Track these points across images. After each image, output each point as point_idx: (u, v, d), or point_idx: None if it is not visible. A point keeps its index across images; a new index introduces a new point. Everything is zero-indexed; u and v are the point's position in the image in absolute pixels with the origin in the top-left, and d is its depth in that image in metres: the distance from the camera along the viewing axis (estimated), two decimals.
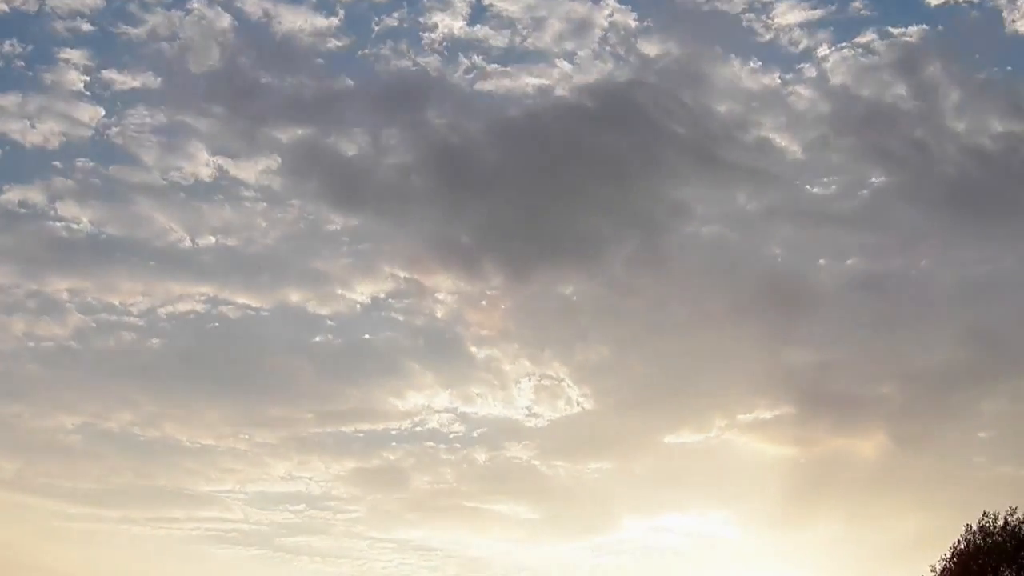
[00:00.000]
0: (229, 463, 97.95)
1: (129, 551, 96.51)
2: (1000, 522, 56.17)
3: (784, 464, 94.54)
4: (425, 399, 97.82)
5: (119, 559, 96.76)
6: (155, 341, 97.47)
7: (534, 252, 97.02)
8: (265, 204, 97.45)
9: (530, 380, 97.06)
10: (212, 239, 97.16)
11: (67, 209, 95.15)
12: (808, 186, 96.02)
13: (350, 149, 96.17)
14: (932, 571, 57.42)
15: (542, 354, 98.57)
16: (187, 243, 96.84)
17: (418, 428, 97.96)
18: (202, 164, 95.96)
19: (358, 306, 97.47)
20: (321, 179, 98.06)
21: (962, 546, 56.84)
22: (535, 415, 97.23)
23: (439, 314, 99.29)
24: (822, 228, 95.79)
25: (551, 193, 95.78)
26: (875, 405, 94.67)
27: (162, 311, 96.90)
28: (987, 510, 56.66)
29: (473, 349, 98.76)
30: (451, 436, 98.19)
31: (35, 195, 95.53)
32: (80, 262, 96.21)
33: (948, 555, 57.12)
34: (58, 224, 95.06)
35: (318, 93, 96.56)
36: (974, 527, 56.89)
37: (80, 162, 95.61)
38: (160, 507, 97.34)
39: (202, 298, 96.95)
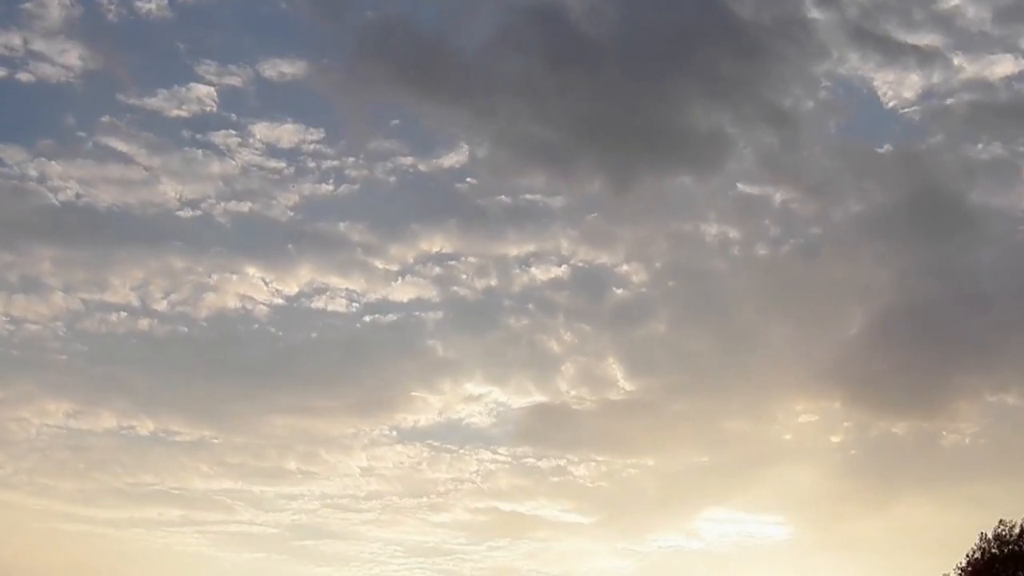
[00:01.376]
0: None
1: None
2: (1016, 530, 55.17)
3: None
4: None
5: None
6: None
7: None
8: None
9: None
10: None
11: None
12: None
13: None
14: None
15: None
16: None
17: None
18: None
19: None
20: None
21: (977, 555, 55.85)
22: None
23: None
24: None
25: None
26: None
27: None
28: (1003, 518, 55.51)
29: None
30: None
31: None
32: None
33: (963, 563, 56.20)
34: None
35: None
36: (989, 535, 55.83)
37: None
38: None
39: None
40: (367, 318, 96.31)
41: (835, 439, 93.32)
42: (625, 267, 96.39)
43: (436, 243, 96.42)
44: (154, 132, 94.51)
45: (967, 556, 56.40)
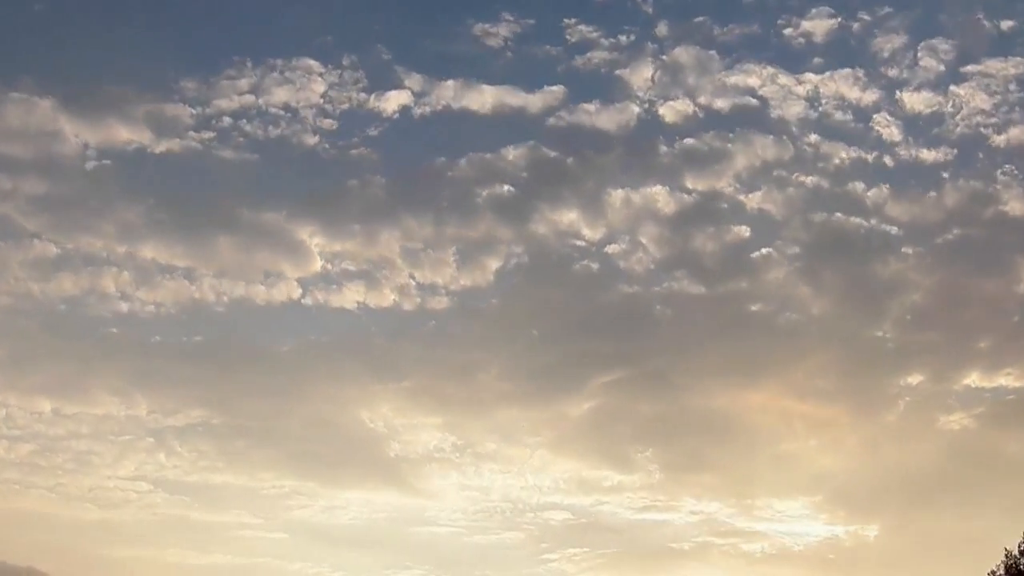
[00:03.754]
0: None
1: None
2: None
3: None
4: None
5: None
6: None
7: None
8: None
9: None
10: None
11: None
12: None
13: None
14: None
15: None
16: None
17: None
18: None
19: None
20: None
21: (1001, 571, 52.67)
22: None
23: None
24: None
25: None
26: None
27: None
28: None
29: None
30: None
31: None
32: None
33: None
34: None
35: None
36: (1015, 552, 52.51)
37: None
38: None
39: None
40: None
41: None
42: None
43: None
44: None
45: (991, 573, 53.19)
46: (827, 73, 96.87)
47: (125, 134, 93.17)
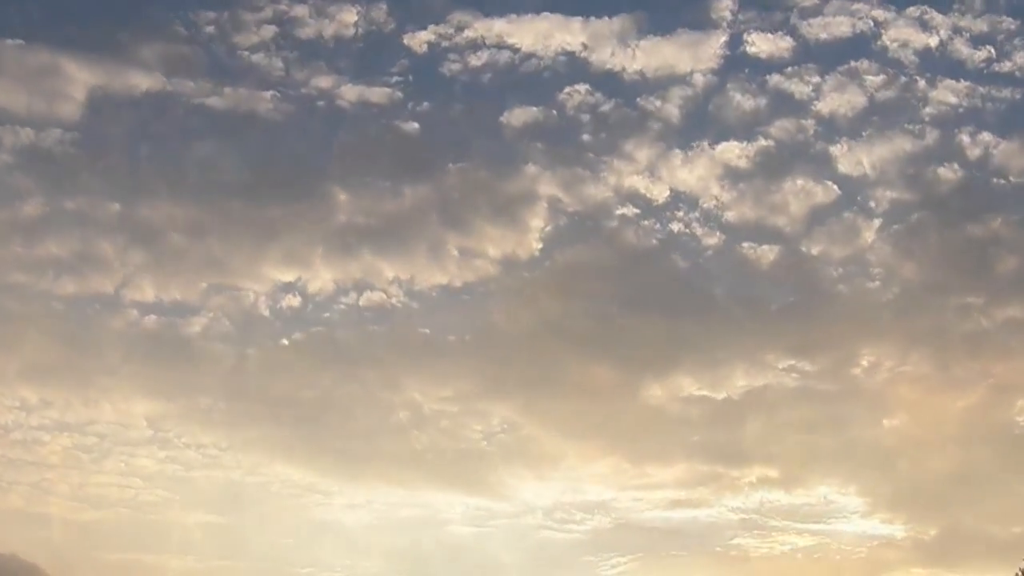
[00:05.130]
0: None
1: None
2: None
3: None
4: None
5: None
6: None
7: None
8: None
9: None
10: None
11: None
12: None
13: None
14: None
15: None
16: None
17: None
18: None
19: None
20: None
21: None
22: None
23: None
24: None
25: None
26: None
27: None
28: None
29: None
30: None
31: None
32: None
33: None
34: None
35: None
36: None
37: None
38: None
39: None
40: None
41: None
42: None
43: None
44: None
45: None
46: (936, 8, 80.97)
47: None
